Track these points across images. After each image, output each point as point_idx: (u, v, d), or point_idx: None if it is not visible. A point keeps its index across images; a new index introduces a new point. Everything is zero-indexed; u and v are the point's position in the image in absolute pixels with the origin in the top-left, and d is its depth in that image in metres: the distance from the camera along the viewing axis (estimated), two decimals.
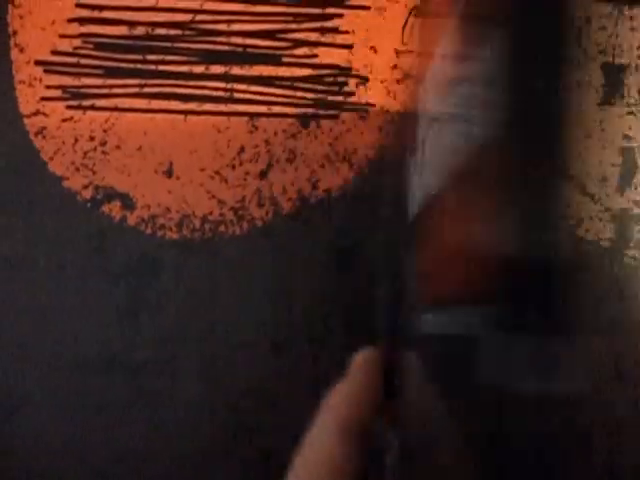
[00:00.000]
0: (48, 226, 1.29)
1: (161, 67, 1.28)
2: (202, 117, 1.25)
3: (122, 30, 1.27)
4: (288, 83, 1.19)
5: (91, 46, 1.28)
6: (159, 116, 1.29)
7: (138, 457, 1.14)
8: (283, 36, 1.24)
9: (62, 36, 1.26)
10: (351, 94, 1.23)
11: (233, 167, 1.24)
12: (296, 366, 1.09)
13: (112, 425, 1.15)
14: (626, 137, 1.26)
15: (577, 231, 1.18)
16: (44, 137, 1.38)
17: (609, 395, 1.02)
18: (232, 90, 1.17)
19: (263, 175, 1.20)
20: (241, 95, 1.21)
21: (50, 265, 1.27)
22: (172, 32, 1.26)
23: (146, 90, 1.31)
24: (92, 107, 1.41)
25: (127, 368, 1.22)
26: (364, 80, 1.26)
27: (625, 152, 1.25)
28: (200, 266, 1.30)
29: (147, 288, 1.25)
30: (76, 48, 1.27)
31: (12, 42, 1.26)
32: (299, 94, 1.22)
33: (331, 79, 1.26)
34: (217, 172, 1.24)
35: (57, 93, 1.31)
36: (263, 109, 1.23)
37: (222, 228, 1.22)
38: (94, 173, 1.37)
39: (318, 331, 1.14)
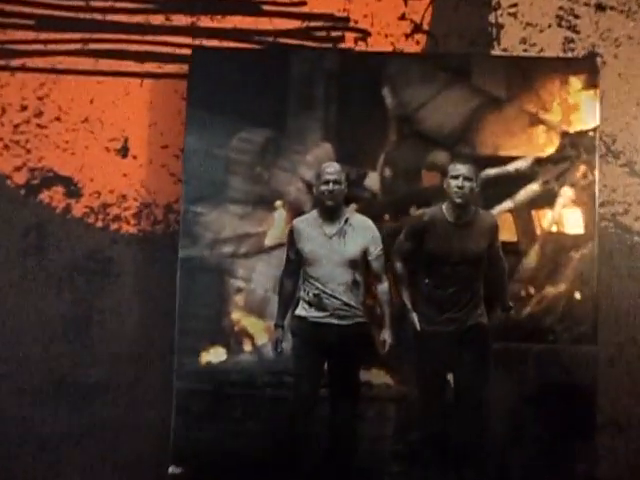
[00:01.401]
0: None
1: (109, 17, 1.10)
2: (163, 81, 1.05)
3: None
4: (270, 38, 1.02)
5: None
6: (109, 80, 1.17)
7: None
8: None
9: None
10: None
11: None
12: None
13: (58, 462, 1.00)
14: None
15: (624, 219, 1.04)
16: None
17: None
18: (200, 47, 0.99)
19: None
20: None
21: None
22: None
23: (91, 46, 1.13)
24: (22, 68, 1.22)
25: (76, 393, 1.07)
26: (364, 34, 1.09)
27: None
28: (165, 266, 1.15)
29: (99, 294, 1.09)
30: None
31: None
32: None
33: (324, 33, 1.08)
34: (183, 150, 1.07)
35: None
36: None
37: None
38: (28, 152, 1.20)
39: None
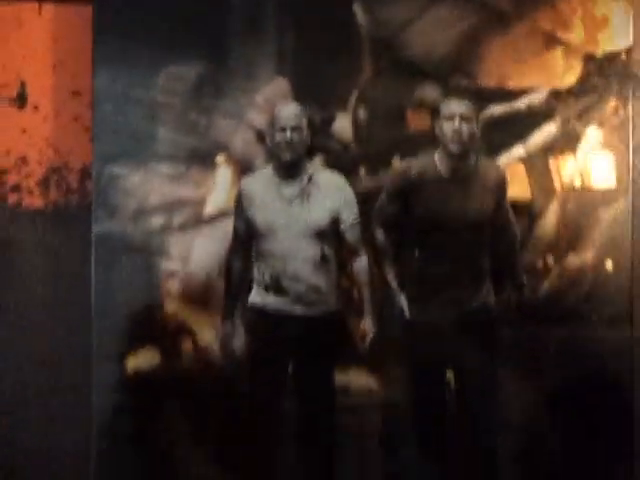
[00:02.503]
0: None
1: None
2: (67, 6, 0.86)
3: None
4: None
5: None
6: None
7: None
8: None
9: None
10: None
11: None
12: None
13: None
14: None
15: None
16: None
17: None
18: None
19: None
20: None
21: None
22: None
23: None
24: None
25: None
26: None
27: None
28: (82, 249, 0.97)
29: None
30: None
31: None
32: None
33: None
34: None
35: None
36: None
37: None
38: None
39: None
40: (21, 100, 0.87)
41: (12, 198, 0.86)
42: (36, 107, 0.86)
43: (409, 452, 0.78)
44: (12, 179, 0.86)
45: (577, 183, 0.81)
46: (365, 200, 0.79)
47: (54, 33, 0.83)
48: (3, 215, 0.86)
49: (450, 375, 0.79)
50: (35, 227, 0.87)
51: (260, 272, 0.80)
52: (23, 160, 0.86)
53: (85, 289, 0.80)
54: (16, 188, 0.87)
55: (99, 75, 0.77)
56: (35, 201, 0.86)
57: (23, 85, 0.87)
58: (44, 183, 0.87)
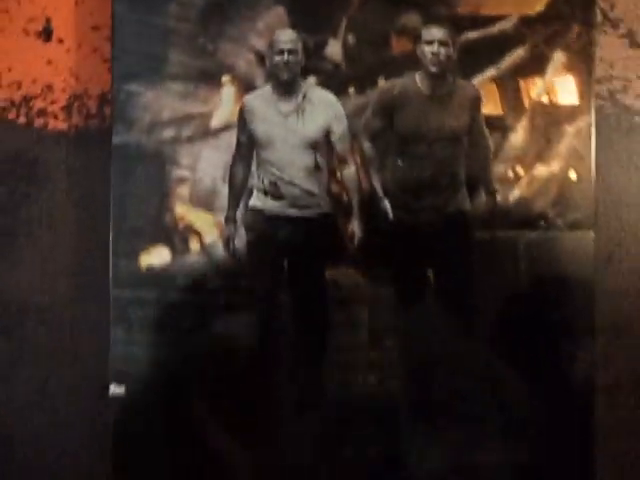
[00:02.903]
0: None
1: None
2: None
3: None
4: None
5: None
6: None
7: None
8: None
9: None
10: None
11: None
12: None
13: None
14: None
15: (623, 98, 0.96)
16: None
17: None
18: None
19: None
20: None
21: None
22: None
23: None
24: None
25: (5, 316, 0.98)
26: None
27: None
28: (101, 167, 1.05)
29: (25, 203, 0.99)
30: None
31: None
32: None
33: None
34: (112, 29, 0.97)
35: None
36: None
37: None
38: None
39: None
40: (47, 34, 0.94)
41: (38, 122, 0.94)
42: (60, 40, 0.94)
43: (392, 341, 0.87)
44: (38, 105, 0.94)
45: (544, 101, 0.87)
46: (354, 115, 0.86)
47: None
48: (30, 137, 0.93)
49: (430, 272, 0.88)
50: (59, 148, 0.93)
51: (260, 179, 0.88)
52: (49, 88, 0.94)
53: (104, 196, 0.88)
54: (42, 113, 0.95)
55: (118, 6, 0.85)
56: (59, 124, 0.94)
57: (48, 20, 0.94)
58: (67, 108, 0.95)
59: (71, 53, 0.99)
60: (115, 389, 0.86)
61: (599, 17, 0.98)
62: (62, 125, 0.98)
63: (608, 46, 0.97)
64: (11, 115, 0.98)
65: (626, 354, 0.97)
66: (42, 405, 0.94)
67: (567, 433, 0.88)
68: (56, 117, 0.98)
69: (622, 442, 0.97)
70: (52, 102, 0.98)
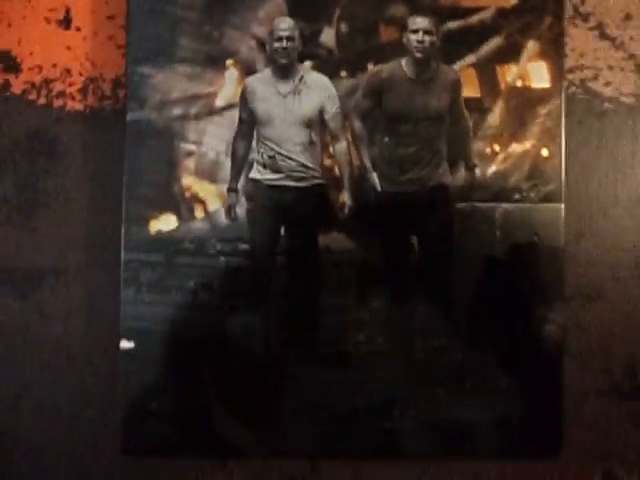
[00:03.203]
0: None
1: None
2: None
3: None
4: None
5: None
6: None
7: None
8: None
9: None
10: None
11: None
12: None
13: (5, 352, 0.99)
14: None
15: (593, 85, 1.04)
16: None
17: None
18: None
19: None
20: None
21: None
22: None
23: None
24: None
25: (23, 279, 1.05)
26: None
27: None
28: (113, 144, 1.13)
29: (44, 175, 1.07)
30: None
31: None
32: None
33: None
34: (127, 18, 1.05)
35: None
36: None
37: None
38: None
39: None
40: (66, 23, 1.02)
41: (57, 103, 1.02)
42: (78, 28, 1.01)
43: (380, 302, 0.94)
44: (57, 87, 1.01)
45: (518, 85, 0.93)
46: (345, 96, 0.92)
47: None
48: (50, 117, 1.01)
49: (414, 238, 0.95)
50: (76, 126, 1.01)
51: (259, 153, 0.95)
52: (67, 72, 1.02)
53: (117, 170, 0.95)
54: (61, 94, 1.02)
55: None
56: (76, 105, 1.01)
57: (68, 10, 1.02)
58: (83, 90, 1.02)
59: (88, 40, 1.07)
60: (125, 344, 0.94)
61: (571, 11, 1.06)
62: (79, 106, 1.06)
63: (579, 38, 1.06)
64: (32, 96, 1.06)
65: (595, 320, 1.05)
66: (58, 360, 1.01)
67: (538, 391, 0.96)
68: (73, 98, 1.06)
69: (590, 402, 1.05)
70: (70, 85, 1.06)
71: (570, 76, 1.05)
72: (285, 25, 0.98)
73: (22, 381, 1.02)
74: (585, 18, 1.07)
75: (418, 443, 0.94)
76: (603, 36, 1.07)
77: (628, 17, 1.05)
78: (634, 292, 1.04)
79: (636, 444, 1.04)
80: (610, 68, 1.06)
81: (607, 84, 1.06)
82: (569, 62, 1.05)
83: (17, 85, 1.05)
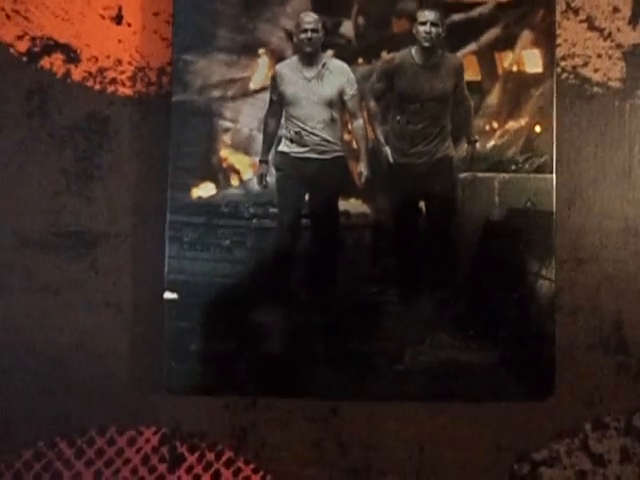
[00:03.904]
0: None
1: None
2: None
3: None
4: None
5: None
6: None
7: (95, 342, 1.12)
8: None
9: None
10: None
11: None
12: None
13: (66, 306, 1.12)
14: None
15: (583, 71, 1.15)
16: None
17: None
18: None
19: None
20: None
21: None
22: None
23: None
24: None
25: (80, 243, 1.19)
26: None
27: None
28: (158, 124, 1.27)
29: (98, 151, 1.21)
30: None
31: None
32: None
33: None
34: (173, 13, 1.18)
35: None
36: None
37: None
38: (29, 21, 1.34)
39: None
40: (118, 19, 1.16)
41: (110, 88, 1.15)
42: (129, 24, 1.15)
43: (391, 258, 1.06)
44: (110, 75, 1.14)
45: (514, 70, 1.03)
46: (362, 80, 1.03)
47: None
48: (104, 101, 1.12)
49: (422, 204, 1.07)
50: (126, 108, 1.13)
51: (287, 129, 1.07)
52: (119, 61, 1.15)
53: (163, 151, 1.05)
54: (113, 81, 1.15)
55: None
56: (126, 90, 1.14)
57: (120, 8, 1.15)
58: (133, 78, 1.15)
59: (137, 34, 1.21)
60: (169, 295, 1.07)
61: (563, 6, 1.18)
62: (128, 91, 1.20)
63: (571, 29, 1.18)
64: (89, 83, 1.20)
65: (585, 280, 1.16)
66: (110, 309, 1.14)
67: (533, 340, 1.07)
68: (124, 84, 1.20)
69: (580, 354, 1.15)
70: (121, 73, 1.20)
71: (563, 63, 1.17)
72: (310, 19, 1.11)
73: (79, 328, 1.17)
74: (576, 12, 1.19)
75: (427, 383, 1.06)
76: (592, 28, 1.19)
77: (615, 10, 1.17)
78: (621, 255, 1.15)
79: (622, 393, 1.15)
80: (599, 56, 1.18)
81: (596, 70, 1.18)
82: (562, 51, 1.18)
83: (76, 74, 1.19)
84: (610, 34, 1.18)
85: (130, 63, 1.25)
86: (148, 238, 1.17)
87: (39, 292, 1.16)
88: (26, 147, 1.20)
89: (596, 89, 1.18)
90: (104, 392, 1.16)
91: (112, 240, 1.20)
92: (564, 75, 1.17)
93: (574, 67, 1.19)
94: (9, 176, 1.19)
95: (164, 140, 1.16)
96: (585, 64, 1.20)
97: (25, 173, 1.20)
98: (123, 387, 1.15)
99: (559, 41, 1.17)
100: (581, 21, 1.19)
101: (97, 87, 1.24)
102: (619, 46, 1.19)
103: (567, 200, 1.17)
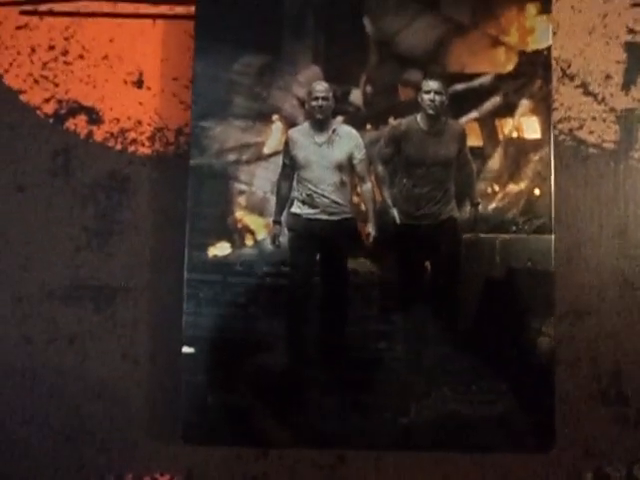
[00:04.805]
0: (5, 144, 1.30)
1: None
2: (173, 21, 1.28)
3: None
4: None
5: None
6: (126, 21, 1.33)
7: (112, 392, 1.16)
8: None
9: None
10: None
11: None
12: None
13: (84, 356, 1.16)
14: (631, 32, 1.30)
15: (579, 133, 1.21)
16: None
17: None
18: None
19: None
20: None
21: (9, 187, 1.27)
22: None
23: None
24: (50, 12, 1.41)
25: (99, 296, 1.23)
26: None
27: (630, 48, 1.28)
28: (175, 182, 1.32)
29: (118, 208, 1.27)
30: None
31: None
32: None
33: None
34: (192, 81, 1.25)
35: None
36: None
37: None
38: (56, 86, 1.40)
39: None
40: (139, 83, 1.22)
41: (130, 148, 1.21)
42: (149, 88, 1.20)
43: (398, 315, 1.10)
44: (131, 135, 1.20)
45: (514, 135, 1.09)
46: (370, 145, 1.09)
47: (163, 39, 1.18)
48: (124, 160, 1.18)
49: (427, 263, 1.12)
50: (145, 168, 1.18)
51: (299, 192, 1.12)
52: (139, 122, 1.21)
53: (181, 209, 1.09)
54: (133, 141, 1.21)
55: (198, 62, 1.08)
56: (145, 150, 1.20)
57: (141, 74, 1.21)
58: (152, 138, 1.21)
59: (156, 97, 1.27)
60: (187, 349, 1.12)
61: (559, 73, 1.24)
62: (147, 150, 1.26)
63: (567, 94, 1.24)
64: (111, 143, 1.26)
65: (585, 335, 1.21)
66: (128, 362, 1.20)
67: (534, 394, 1.11)
68: (143, 145, 1.26)
69: (580, 406, 1.19)
70: (141, 133, 1.26)
71: (560, 126, 1.23)
72: (321, 87, 1.17)
73: (96, 380, 1.21)
74: (571, 78, 1.25)
75: (432, 435, 1.09)
76: (587, 93, 1.25)
77: (608, 77, 1.24)
78: (618, 310, 1.20)
79: (623, 444, 1.19)
80: (593, 119, 1.24)
81: (591, 132, 1.23)
82: (558, 114, 1.24)
83: (99, 134, 1.25)
84: (604, 99, 1.24)
85: (149, 124, 1.31)
86: (165, 293, 1.23)
87: (60, 342, 1.22)
88: (50, 204, 1.26)
89: (591, 150, 1.24)
90: (121, 441, 1.21)
91: (130, 294, 1.25)
92: (561, 137, 1.23)
93: (570, 130, 1.24)
94: (35, 231, 1.25)
95: (181, 198, 1.22)
96: (580, 127, 1.26)
97: (50, 229, 1.26)
98: (139, 436, 1.20)
99: (556, 105, 1.23)
100: (576, 86, 1.25)
101: (118, 147, 1.30)
102: (612, 110, 1.25)
103: (566, 257, 1.22)
